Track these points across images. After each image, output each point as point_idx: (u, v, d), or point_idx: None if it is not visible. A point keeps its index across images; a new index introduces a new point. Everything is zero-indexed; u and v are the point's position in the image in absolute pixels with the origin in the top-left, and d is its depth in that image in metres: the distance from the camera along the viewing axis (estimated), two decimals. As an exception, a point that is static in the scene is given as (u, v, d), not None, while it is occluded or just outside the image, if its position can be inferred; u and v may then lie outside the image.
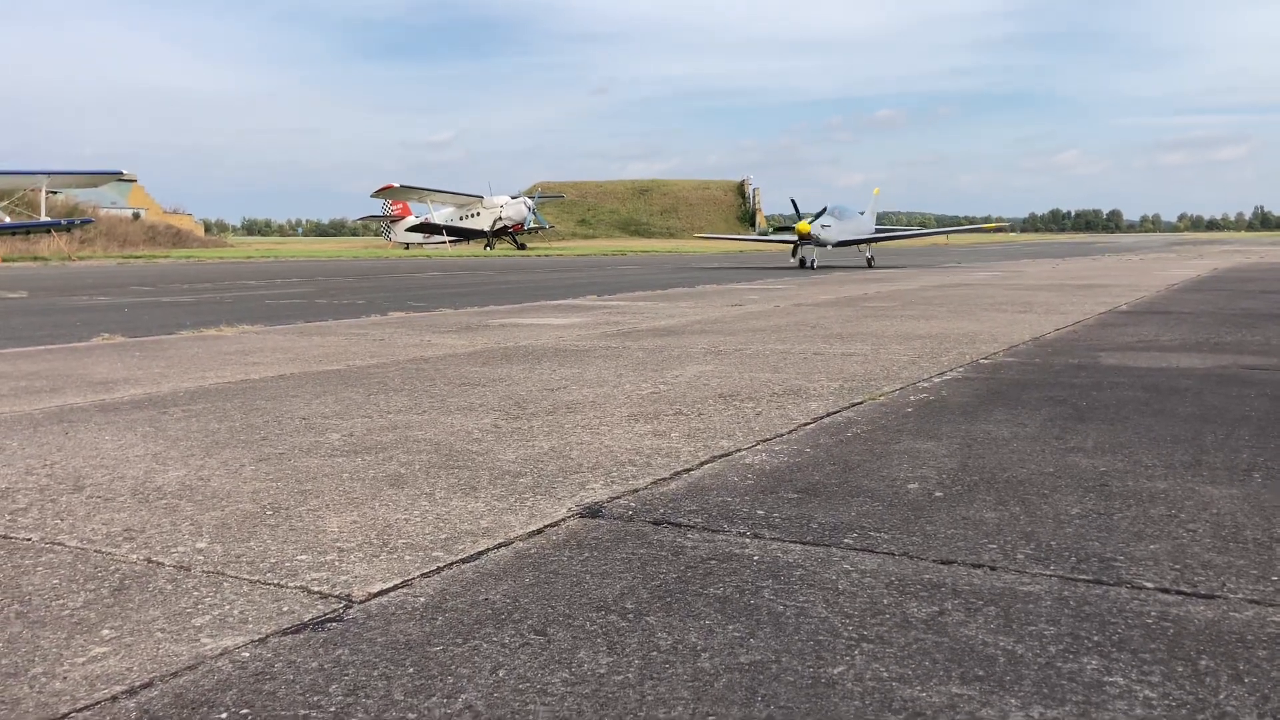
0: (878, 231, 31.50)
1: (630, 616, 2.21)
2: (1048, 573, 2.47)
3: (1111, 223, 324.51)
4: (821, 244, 27.19)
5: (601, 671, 1.94)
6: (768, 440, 4.05)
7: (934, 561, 2.56)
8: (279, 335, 8.88)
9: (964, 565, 2.53)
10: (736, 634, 2.11)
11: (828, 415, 4.59)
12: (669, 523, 2.92)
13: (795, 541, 2.73)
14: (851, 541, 2.73)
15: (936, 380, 5.69)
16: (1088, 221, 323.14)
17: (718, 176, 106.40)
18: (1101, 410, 4.71)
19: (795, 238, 27.33)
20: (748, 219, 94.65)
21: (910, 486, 3.31)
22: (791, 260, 27.54)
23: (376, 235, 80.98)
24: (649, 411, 4.74)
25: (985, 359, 6.65)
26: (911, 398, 5.09)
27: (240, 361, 6.89)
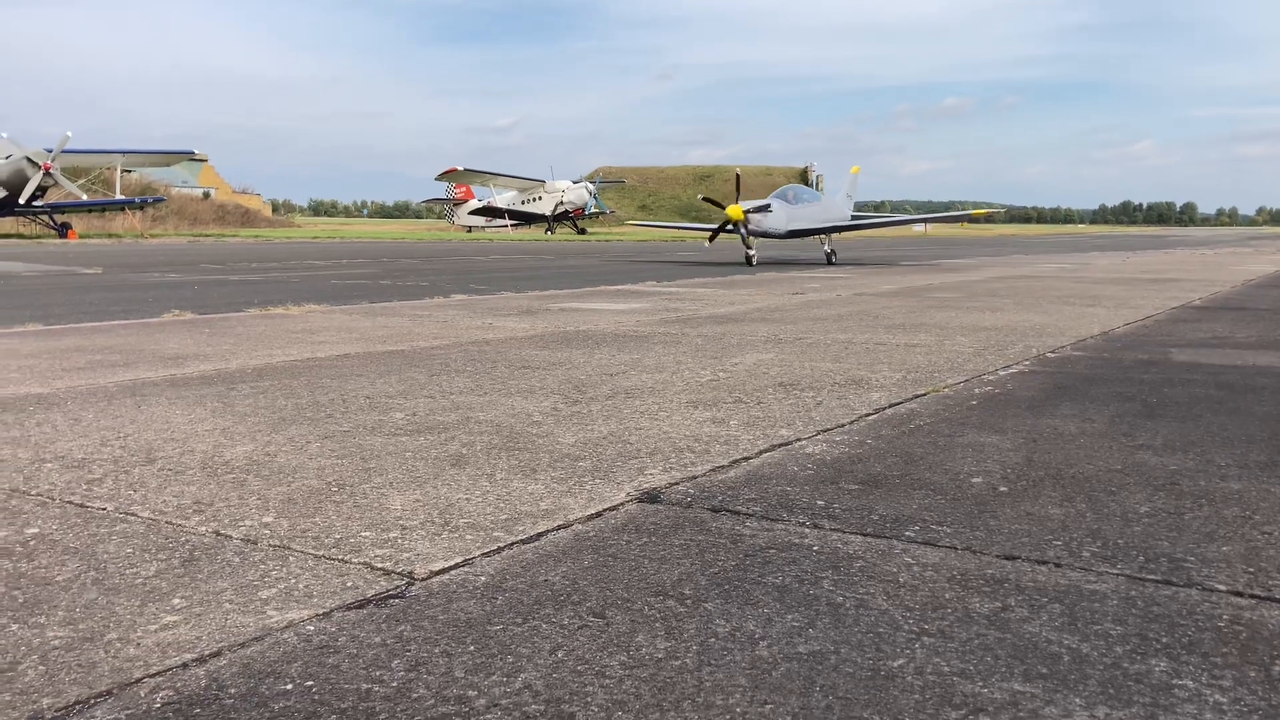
0: (855, 219, 25.86)
1: (688, 602, 2.21)
2: (1115, 571, 2.42)
3: (1185, 216, 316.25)
4: (763, 233, 21.76)
5: (659, 656, 1.94)
6: (828, 430, 4.02)
7: (997, 557, 2.53)
8: (344, 315, 9.02)
9: (1028, 561, 2.49)
10: (795, 623, 2.10)
11: (890, 406, 4.55)
12: (727, 510, 2.91)
13: (856, 533, 2.71)
14: (913, 534, 2.70)
15: (1002, 373, 5.60)
16: (1160, 214, 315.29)
17: (780, 163, 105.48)
18: (1172, 407, 4.60)
19: (727, 225, 21.87)
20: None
21: (974, 480, 3.26)
22: (706, 245, 23.55)
23: (440, 218, 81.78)
24: (708, 399, 4.73)
25: (1052, 353, 6.53)
26: (976, 390, 5.02)
27: (306, 340, 7.01)
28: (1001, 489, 3.16)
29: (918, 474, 3.34)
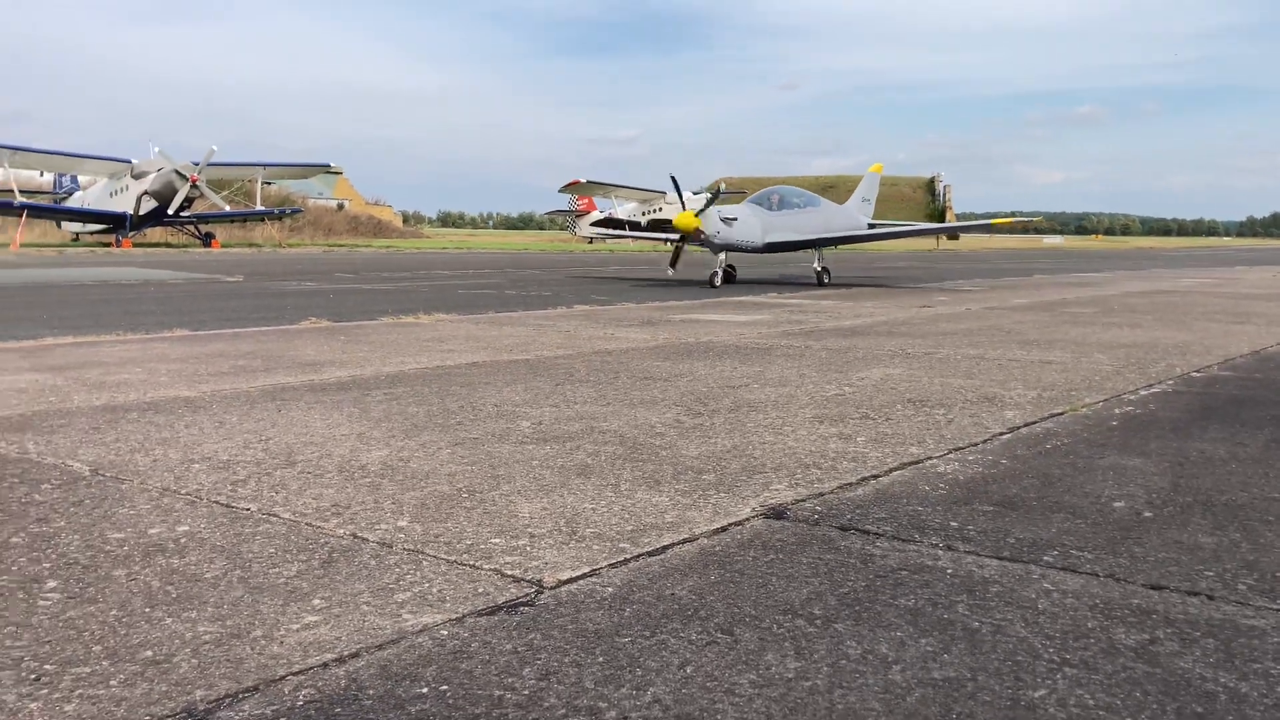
0: (873, 227, 20.14)
1: (818, 622, 2.18)
2: (1275, 606, 2.28)
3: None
4: (729, 246, 17.02)
5: (789, 676, 1.91)
6: (960, 449, 3.91)
7: (1143, 586, 2.41)
8: (471, 324, 9.22)
9: (1177, 592, 2.37)
10: (930, 648, 2.04)
11: (1025, 425, 4.40)
12: (856, 529, 2.86)
13: (991, 556, 2.63)
14: (1052, 560, 2.60)
15: (1144, 393, 5.36)
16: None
17: (905, 173, 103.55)
18: (1334, 433, 4.33)
19: (676, 236, 17.33)
20: (937, 217, 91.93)
21: (1116, 505, 3.13)
22: (669, 272, 17.75)
23: (562, 229, 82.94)
24: (833, 414, 4.67)
25: (1198, 372, 6.22)
26: (1117, 410, 4.82)
27: (436, 348, 7.19)
28: (1146, 515, 3.02)
29: (1056, 497, 3.22)
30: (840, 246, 20.99)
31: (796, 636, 2.10)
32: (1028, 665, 1.96)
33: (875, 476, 3.47)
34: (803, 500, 3.16)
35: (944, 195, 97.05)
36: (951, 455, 3.80)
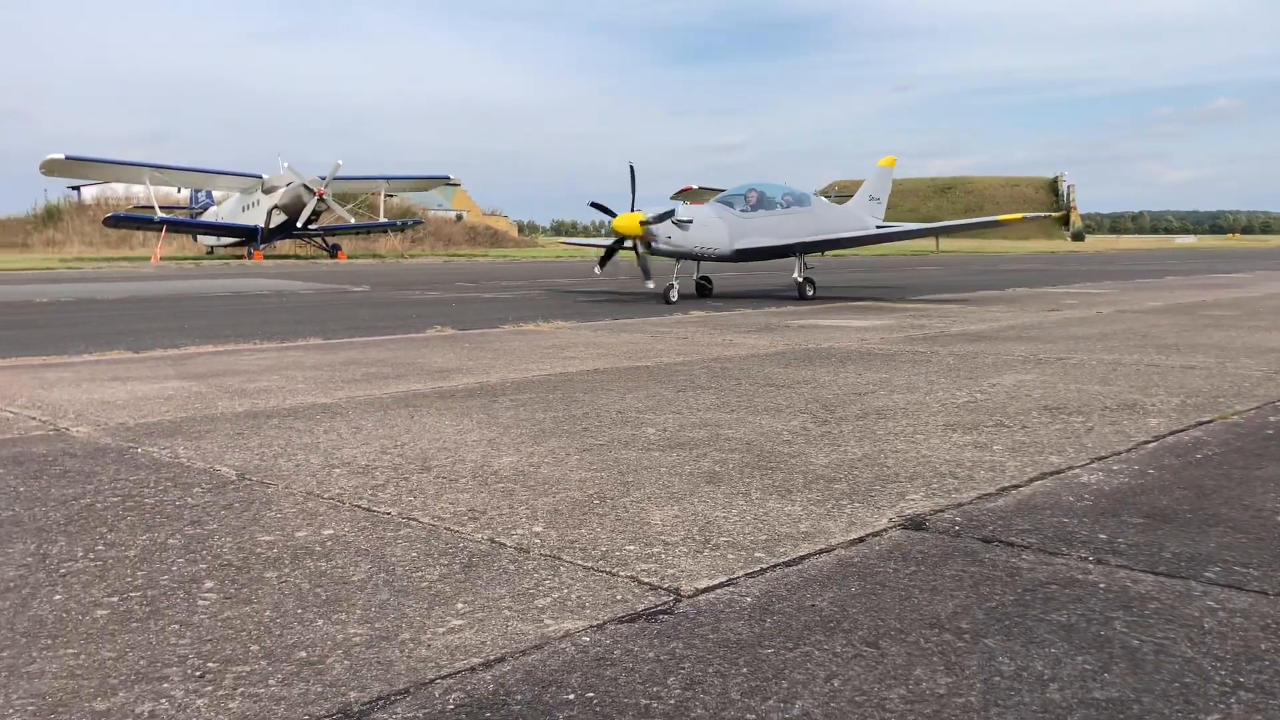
0: (882, 228, 17.31)
1: (967, 637, 2.11)
2: None
3: None
4: (687, 254, 14.41)
5: (941, 692, 1.86)
6: (1103, 458, 3.76)
7: (1318, 606, 2.27)
8: (590, 331, 9.30)
9: (1357, 614, 2.22)
10: (1088, 666, 1.96)
11: (1171, 434, 4.20)
12: (1000, 541, 2.77)
13: (1146, 571, 2.51)
14: (1214, 576, 2.47)
15: (1299, 400, 5.07)
16: None
17: (1027, 173, 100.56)
18: None
19: (623, 242, 14.20)
20: (1061, 217, 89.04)
21: (1280, 518, 2.96)
22: (597, 271, 15.25)
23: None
24: (966, 421, 4.54)
25: (1358, 377, 5.86)
26: (1271, 419, 4.56)
27: (557, 356, 7.27)
28: (1314, 530, 2.85)
29: (1212, 509, 3.06)
30: (855, 250, 18.28)
31: (945, 651, 2.04)
32: (1198, 688, 1.86)
33: (1015, 486, 3.36)
34: (941, 511, 3.08)
35: (1068, 195, 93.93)
36: (1095, 465, 3.66)
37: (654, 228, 13.67)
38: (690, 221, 14.17)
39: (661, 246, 13.94)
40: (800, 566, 2.57)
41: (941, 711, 1.79)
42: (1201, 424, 4.42)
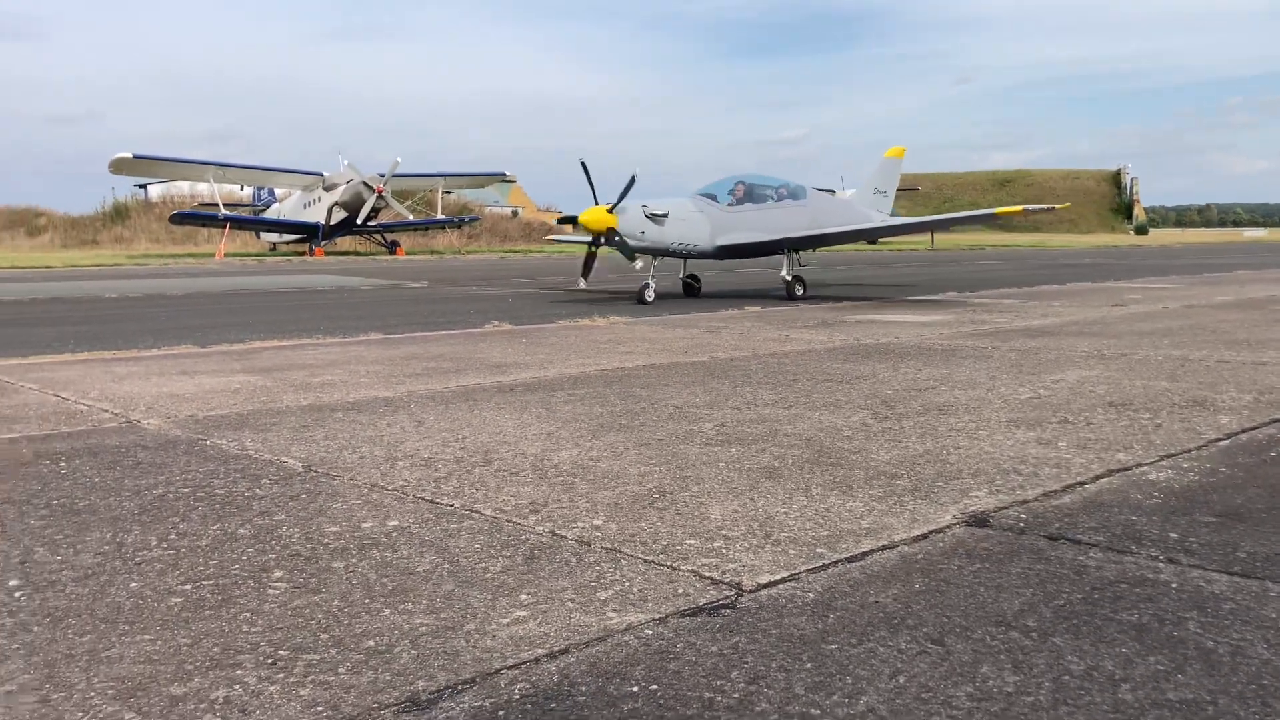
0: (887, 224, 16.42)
1: (1034, 635, 2.08)
2: None
3: None
4: (664, 250, 13.44)
5: (1009, 690, 1.84)
6: (1173, 455, 3.68)
7: (1401, 609, 2.20)
8: (645, 326, 9.31)
9: None
10: (1160, 667, 1.93)
11: (1243, 431, 4.11)
12: (1066, 539, 2.73)
13: (1220, 571, 2.46)
14: (1291, 577, 2.41)
15: (1378, 397, 4.92)
16: None
17: (1089, 165, 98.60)
18: None
19: (598, 240, 13.01)
20: (1123, 211, 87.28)
21: (1359, 519, 2.87)
22: (581, 283, 13.93)
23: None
24: (1030, 418, 4.48)
25: None
26: (1348, 416, 4.44)
27: (613, 350, 7.29)
28: (1396, 530, 2.76)
29: (1287, 508, 2.98)
30: (879, 243, 16.73)
31: (1012, 649, 2.02)
32: (1276, 690, 1.82)
33: (1081, 484, 3.31)
34: (1005, 508, 3.04)
35: (1131, 188, 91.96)
36: (1164, 462, 3.58)
37: (622, 223, 12.73)
38: (665, 215, 13.15)
39: (633, 243, 12.92)
40: (863, 563, 2.56)
41: (1010, 709, 1.77)
42: (1275, 421, 4.31)
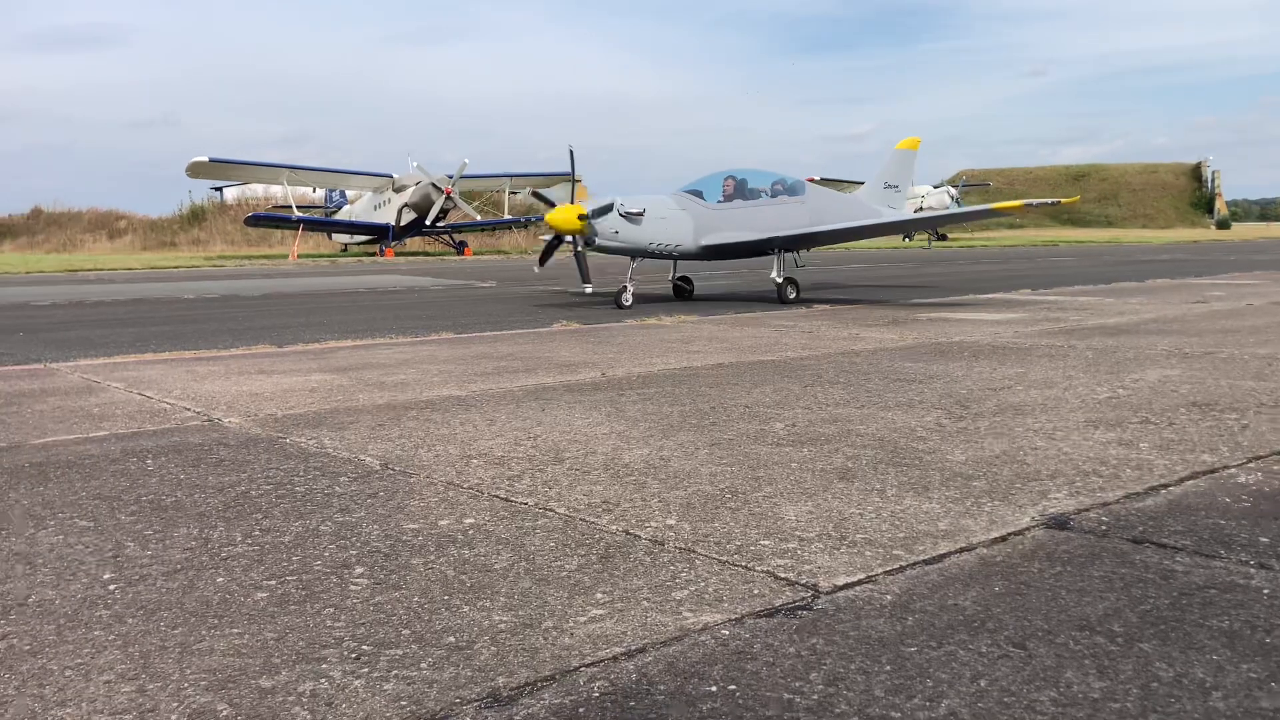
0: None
1: (1119, 640, 2.04)
2: None
3: None
4: (641, 251, 12.62)
5: (1094, 696, 1.81)
6: (1262, 458, 3.58)
7: None
8: (713, 325, 9.29)
9: None
10: (1253, 675, 1.88)
11: (1335, 432, 3.98)
12: (1151, 542, 2.67)
13: (1314, 577, 2.38)
14: (1390, 584, 2.33)
15: None
16: None
17: (1167, 159, 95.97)
18: None
19: (562, 238, 12.78)
20: (1204, 206, 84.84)
21: None
22: (536, 270, 14.30)
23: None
24: (1109, 418, 4.38)
25: None
26: None
27: (681, 349, 7.29)
28: None
29: (1385, 513, 2.88)
30: (915, 238, 15.47)
31: (1097, 654, 1.98)
32: (1376, 701, 1.76)
33: (1165, 486, 3.23)
34: (1086, 510, 2.98)
35: (1213, 182, 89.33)
36: (1252, 464, 3.49)
37: (596, 222, 11.94)
38: (641, 214, 12.24)
39: (607, 243, 12.24)
40: (940, 565, 2.53)
41: (1095, 716, 1.74)
42: (1369, 422, 4.17)
